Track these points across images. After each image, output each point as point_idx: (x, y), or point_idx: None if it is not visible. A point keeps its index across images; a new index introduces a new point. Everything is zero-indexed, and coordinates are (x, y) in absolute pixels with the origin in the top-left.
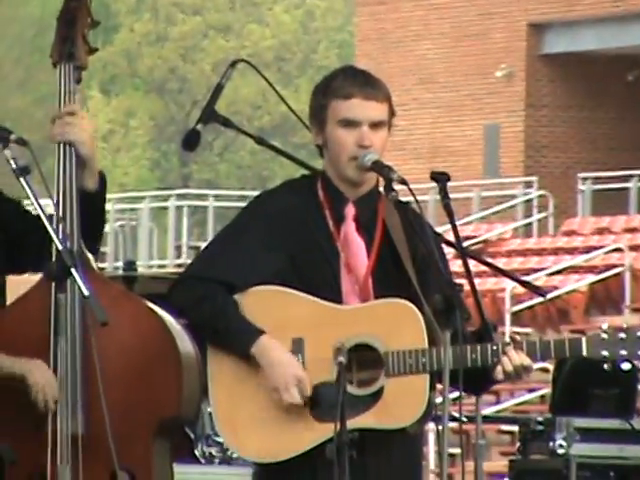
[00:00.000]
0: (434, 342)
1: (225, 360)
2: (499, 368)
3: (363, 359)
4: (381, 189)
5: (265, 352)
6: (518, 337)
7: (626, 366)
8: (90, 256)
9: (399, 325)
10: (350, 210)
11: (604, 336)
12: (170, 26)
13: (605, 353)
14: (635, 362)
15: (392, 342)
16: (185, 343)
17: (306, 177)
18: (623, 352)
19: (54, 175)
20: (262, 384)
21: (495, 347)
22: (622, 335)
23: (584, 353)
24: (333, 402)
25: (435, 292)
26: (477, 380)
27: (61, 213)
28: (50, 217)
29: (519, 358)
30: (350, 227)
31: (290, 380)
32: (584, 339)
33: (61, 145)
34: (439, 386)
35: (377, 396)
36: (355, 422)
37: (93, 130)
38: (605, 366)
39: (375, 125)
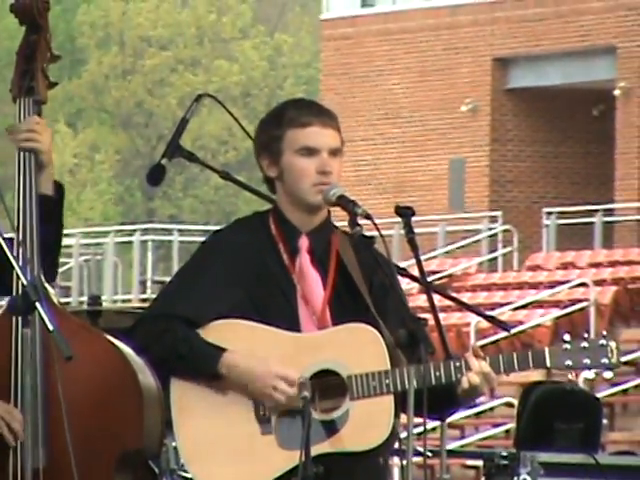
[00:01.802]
0: (396, 365)
1: (191, 392)
2: (464, 379)
3: (326, 385)
4: (339, 224)
5: (233, 365)
6: (480, 351)
7: (589, 375)
8: (51, 290)
9: (360, 349)
10: (304, 242)
11: (566, 346)
12: (138, 60)
13: (569, 362)
14: (598, 371)
15: (354, 366)
16: (146, 376)
17: (257, 214)
18: (586, 361)
19: (15, 188)
20: (232, 411)
21: (458, 363)
22: (584, 344)
23: (547, 364)
24: (298, 430)
25: (394, 321)
26: (441, 403)
27: (21, 238)
28: (11, 243)
29: (479, 365)
30: (305, 259)
31: (271, 380)
32: (547, 350)
33: (22, 153)
34: (403, 417)
35: (343, 420)
36: (322, 447)
37: (50, 142)
38: (567, 387)
39: (333, 152)
